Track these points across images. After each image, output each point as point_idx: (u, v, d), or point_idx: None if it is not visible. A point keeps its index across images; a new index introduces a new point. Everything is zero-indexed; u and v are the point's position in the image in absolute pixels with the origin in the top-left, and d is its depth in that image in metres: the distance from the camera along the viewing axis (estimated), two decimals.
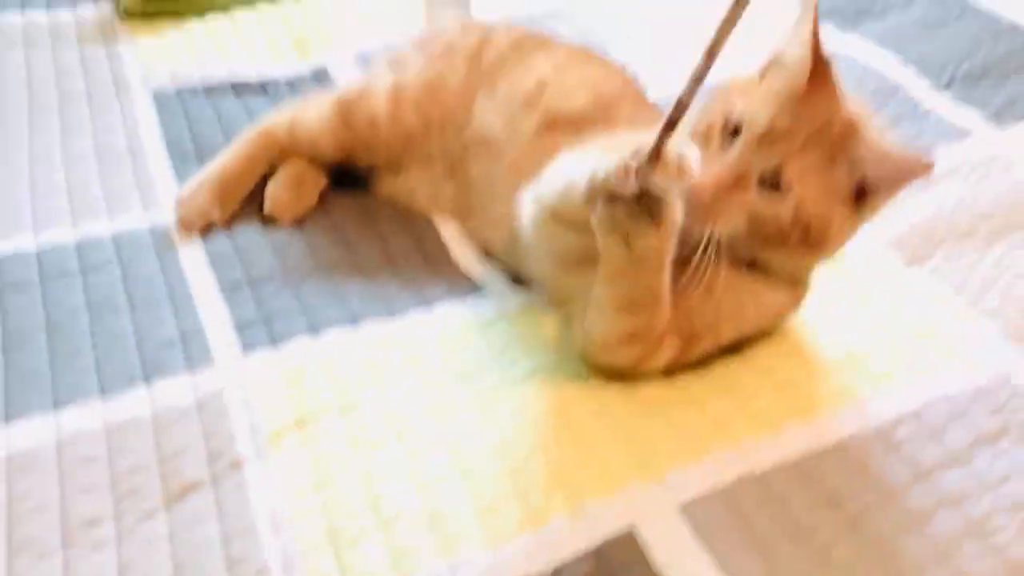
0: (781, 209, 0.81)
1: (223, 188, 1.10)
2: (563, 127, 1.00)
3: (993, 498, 0.78)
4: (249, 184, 1.12)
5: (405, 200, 1.13)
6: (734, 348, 0.91)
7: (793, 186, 0.81)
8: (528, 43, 1.12)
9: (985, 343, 0.93)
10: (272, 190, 1.11)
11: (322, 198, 1.14)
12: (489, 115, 1.05)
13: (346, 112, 1.11)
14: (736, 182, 0.81)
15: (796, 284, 0.90)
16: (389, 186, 1.14)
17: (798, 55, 0.83)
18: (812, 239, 0.83)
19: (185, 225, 1.07)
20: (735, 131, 0.82)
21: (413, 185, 1.12)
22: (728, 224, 0.82)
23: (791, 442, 0.83)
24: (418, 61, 1.14)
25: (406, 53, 1.17)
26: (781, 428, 0.85)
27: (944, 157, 1.18)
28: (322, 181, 1.14)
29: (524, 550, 0.75)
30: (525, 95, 1.05)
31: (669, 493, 0.79)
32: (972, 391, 0.88)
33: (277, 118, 1.15)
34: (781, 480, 0.80)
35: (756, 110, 0.82)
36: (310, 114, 1.13)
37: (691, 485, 0.80)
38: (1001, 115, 1.25)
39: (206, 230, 1.07)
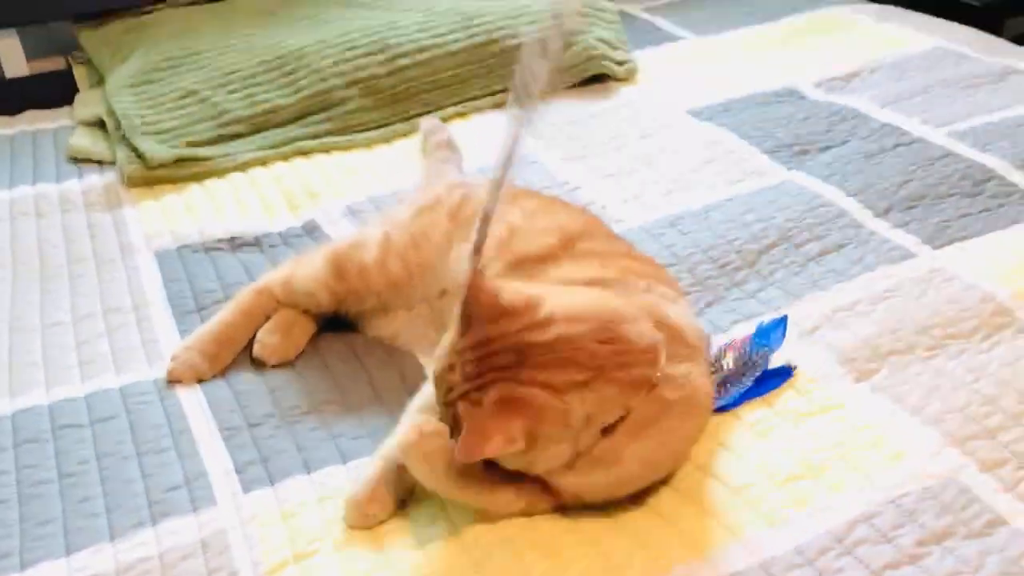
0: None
1: (217, 344, 1.19)
2: (528, 266, 1.10)
3: None
4: (245, 339, 1.21)
5: (391, 340, 1.22)
6: None
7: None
8: (505, 196, 1.23)
9: (929, 449, 1.00)
10: (262, 335, 1.20)
11: (313, 341, 1.23)
12: (464, 262, 1.15)
13: (338, 264, 1.21)
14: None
15: None
16: (376, 328, 1.23)
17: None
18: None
19: (172, 378, 1.16)
20: None
21: (398, 327, 1.22)
22: None
23: (754, 549, 0.90)
24: (406, 216, 1.25)
25: (397, 209, 1.29)
26: (743, 536, 0.91)
27: (887, 277, 1.28)
28: (311, 328, 1.23)
29: None
30: (495, 241, 1.15)
31: None
32: (920, 492, 0.95)
33: (273, 276, 1.25)
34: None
35: None
36: (304, 270, 1.23)
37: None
38: (936, 237, 1.36)
39: (197, 381, 1.16)
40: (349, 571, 0.91)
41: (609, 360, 0.87)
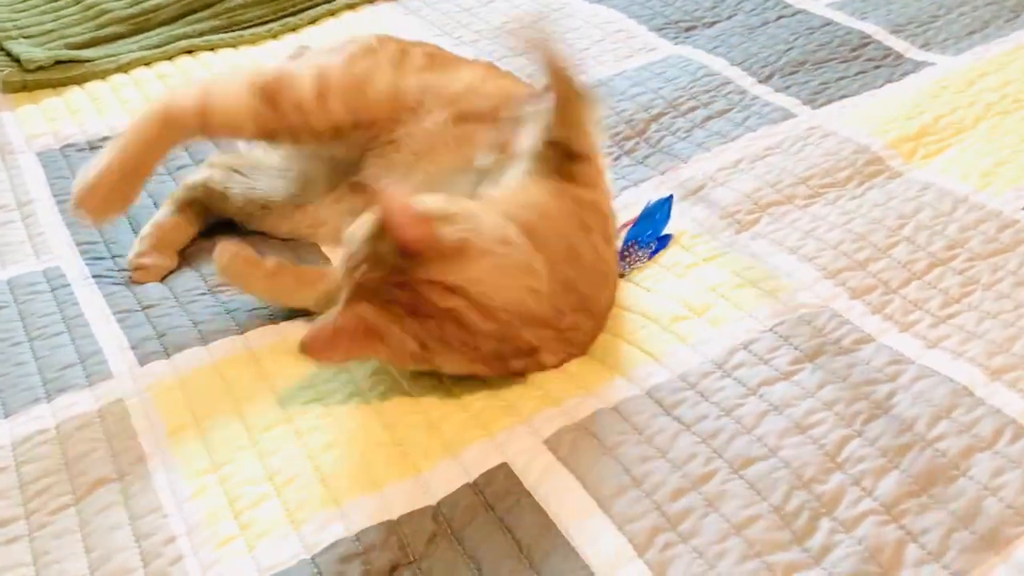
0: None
1: (124, 180, 1.08)
2: (473, 120, 1.10)
3: (811, 401, 0.89)
4: (148, 173, 1.10)
5: (309, 236, 1.18)
6: None
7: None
8: (446, 57, 1.23)
9: (804, 283, 1.05)
10: (135, 250, 1.14)
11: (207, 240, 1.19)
12: (417, 120, 1.12)
13: (269, 94, 1.10)
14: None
15: None
16: (289, 223, 1.19)
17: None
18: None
19: (85, 219, 1.08)
20: None
21: (324, 216, 1.17)
22: None
23: (639, 381, 0.94)
24: (337, 60, 1.15)
25: (318, 52, 1.21)
26: (629, 374, 0.95)
27: (768, 136, 1.33)
28: (192, 232, 1.19)
29: (408, 491, 0.83)
30: (450, 95, 1.14)
31: (534, 432, 0.88)
32: (795, 320, 1.00)
33: (176, 102, 1.11)
34: (631, 407, 0.90)
35: None
36: (222, 98, 1.10)
37: (553, 423, 0.89)
38: (816, 98, 1.40)
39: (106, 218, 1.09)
40: (249, 428, 0.92)
41: (492, 353, 0.90)
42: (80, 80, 1.58)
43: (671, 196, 1.18)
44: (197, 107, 1.10)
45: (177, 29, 1.70)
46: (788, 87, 1.43)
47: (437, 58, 1.21)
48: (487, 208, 0.92)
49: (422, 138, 1.11)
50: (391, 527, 0.80)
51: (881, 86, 1.42)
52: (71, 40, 1.64)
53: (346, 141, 1.14)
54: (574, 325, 0.95)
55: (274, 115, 1.10)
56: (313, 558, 0.78)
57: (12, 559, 0.80)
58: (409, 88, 1.15)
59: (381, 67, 1.16)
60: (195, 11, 1.73)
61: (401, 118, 1.13)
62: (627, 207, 1.18)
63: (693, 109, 1.40)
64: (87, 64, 1.60)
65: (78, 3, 1.70)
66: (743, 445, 0.85)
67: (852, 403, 0.89)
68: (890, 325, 0.99)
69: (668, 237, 1.15)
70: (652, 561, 0.76)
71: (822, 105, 1.39)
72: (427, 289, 0.86)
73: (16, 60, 1.59)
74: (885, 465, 0.83)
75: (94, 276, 1.14)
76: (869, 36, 1.55)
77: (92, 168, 1.08)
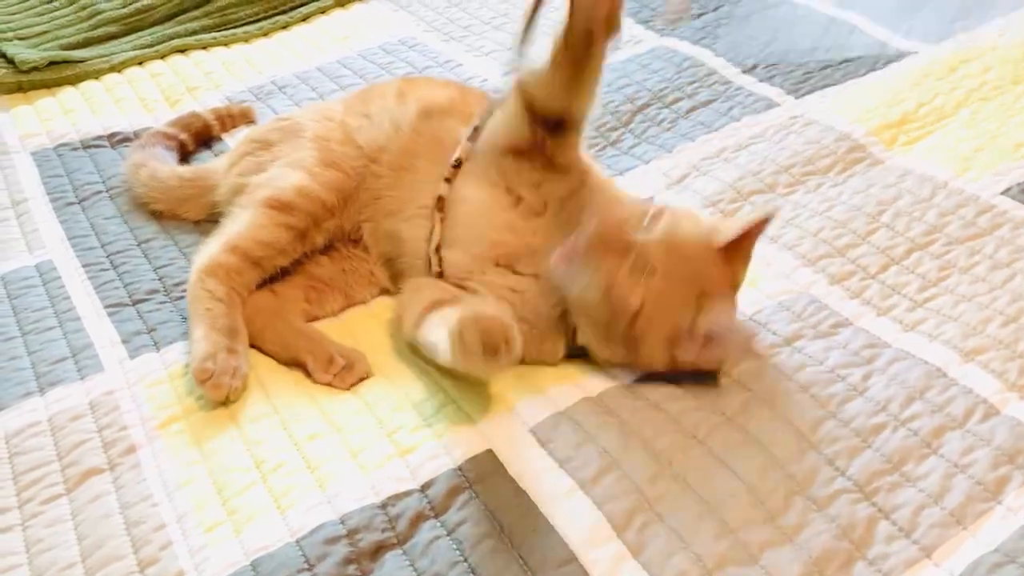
0: (634, 288, 0.88)
1: (232, 338, 0.99)
2: (437, 114, 1.11)
3: (788, 384, 0.91)
4: (239, 328, 1.01)
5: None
6: None
7: (655, 273, 0.89)
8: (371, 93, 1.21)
9: (784, 270, 1.07)
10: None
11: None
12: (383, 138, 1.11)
13: (275, 200, 1.07)
14: (622, 248, 0.90)
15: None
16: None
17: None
18: (632, 333, 0.90)
19: (217, 392, 0.95)
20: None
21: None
22: (579, 278, 0.90)
23: (621, 372, 0.95)
24: (304, 138, 1.13)
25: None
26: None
27: (752, 126, 1.34)
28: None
29: (394, 474, 0.85)
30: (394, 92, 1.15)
31: (519, 421, 0.90)
32: (774, 307, 1.02)
33: (209, 256, 1.05)
34: (613, 397, 0.92)
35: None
36: (242, 228, 1.06)
37: (537, 412, 0.91)
38: (799, 87, 1.42)
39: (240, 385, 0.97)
40: (237, 419, 0.94)
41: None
42: (74, 80, 1.60)
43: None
44: (227, 247, 1.05)
45: (169, 28, 1.71)
46: (772, 77, 1.45)
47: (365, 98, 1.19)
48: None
49: (397, 153, 1.10)
50: (376, 509, 0.82)
51: (864, 75, 1.44)
52: (65, 41, 1.66)
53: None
54: None
55: (295, 215, 1.07)
56: (298, 541, 0.80)
57: (5, 547, 0.82)
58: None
59: (340, 123, 1.14)
60: (187, 10, 1.75)
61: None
62: None
63: (678, 100, 1.42)
64: (81, 64, 1.62)
65: (71, 4, 1.72)
66: (721, 428, 0.87)
67: (828, 385, 0.91)
68: (868, 309, 1.01)
69: None
70: (630, 540, 0.78)
71: (805, 94, 1.40)
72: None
73: (10, 61, 1.60)
74: (859, 445, 0.84)
75: (84, 267, 1.15)
76: (854, 26, 1.56)
77: (194, 354, 0.98)
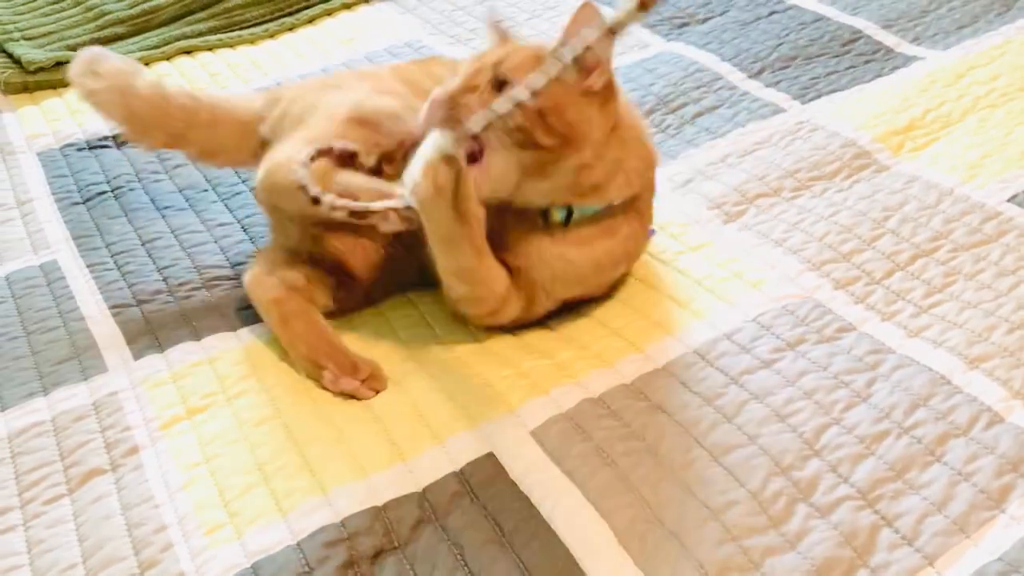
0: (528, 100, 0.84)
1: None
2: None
3: (791, 390, 0.91)
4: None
5: None
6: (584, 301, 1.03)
7: (520, 71, 0.88)
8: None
9: (788, 274, 1.07)
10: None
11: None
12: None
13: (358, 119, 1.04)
14: (468, 89, 0.90)
15: (624, 215, 0.99)
16: None
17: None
18: (557, 130, 0.89)
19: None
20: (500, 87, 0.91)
21: None
22: (477, 119, 0.86)
23: (623, 371, 0.95)
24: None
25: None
26: (615, 364, 0.97)
27: (757, 131, 1.34)
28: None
29: (394, 478, 0.85)
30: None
31: (521, 423, 0.90)
32: (778, 310, 1.01)
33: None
34: (615, 398, 0.91)
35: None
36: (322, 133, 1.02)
37: (538, 415, 0.91)
38: (805, 93, 1.41)
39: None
40: (240, 422, 0.94)
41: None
42: None
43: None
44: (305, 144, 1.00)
45: (176, 30, 1.72)
46: (778, 82, 1.45)
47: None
48: None
49: None
50: (376, 513, 0.82)
51: (871, 81, 1.43)
52: (71, 41, 1.66)
53: None
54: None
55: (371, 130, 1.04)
56: (299, 543, 0.80)
57: (7, 548, 0.82)
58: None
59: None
60: (193, 12, 1.75)
61: None
62: None
63: (683, 105, 1.42)
64: None
65: (78, 5, 1.72)
66: (723, 433, 0.87)
67: (832, 391, 0.90)
68: (872, 315, 1.00)
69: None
70: (631, 546, 0.78)
71: (811, 100, 1.40)
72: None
73: (17, 61, 1.61)
74: (862, 452, 0.84)
75: (89, 267, 1.16)
76: (860, 31, 1.56)
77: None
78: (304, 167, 0.94)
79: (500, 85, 0.91)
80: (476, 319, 0.99)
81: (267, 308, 1.02)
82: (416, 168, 0.89)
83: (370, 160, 1.02)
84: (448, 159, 0.87)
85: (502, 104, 0.85)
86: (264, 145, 1.10)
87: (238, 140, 1.14)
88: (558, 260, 0.98)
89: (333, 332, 1.00)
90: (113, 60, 1.17)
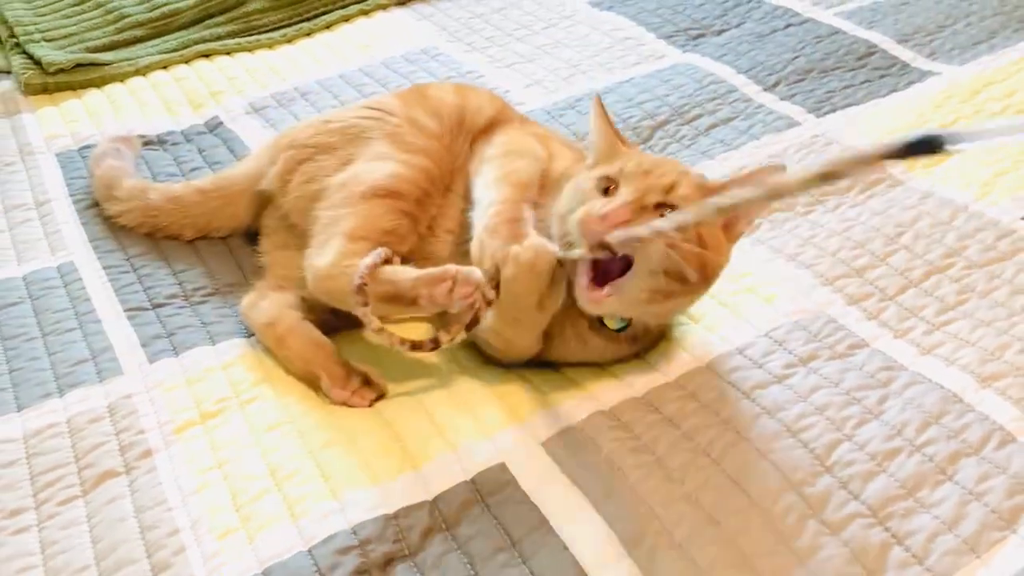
0: (688, 230, 0.85)
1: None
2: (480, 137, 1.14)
3: (803, 405, 0.91)
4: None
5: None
6: None
7: (688, 200, 0.88)
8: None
9: (801, 289, 1.07)
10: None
11: (223, 239, 1.22)
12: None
13: (385, 189, 1.04)
14: (636, 212, 0.87)
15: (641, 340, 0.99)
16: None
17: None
18: (708, 268, 0.91)
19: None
20: (605, 192, 0.91)
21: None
22: (651, 254, 0.86)
23: (634, 384, 0.96)
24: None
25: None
26: (625, 376, 0.97)
27: (772, 144, 1.34)
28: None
29: (405, 486, 0.86)
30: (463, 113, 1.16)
31: (532, 434, 0.90)
32: (791, 325, 1.01)
33: (334, 259, 0.98)
34: (626, 411, 0.92)
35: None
36: (362, 222, 1.02)
37: (551, 425, 0.91)
38: (821, 106, 1.42)
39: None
40: (253, 427, 0.94)
41: None
42: (99, 83, 1.61)
43: None
44: (347, 240, 1.00)
45: (195, 33, 1.73)
46: (793, 95, 1.45)
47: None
48: None
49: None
50: (388, 520, 0.83)
51: (886, 95, 1.43)
52: (91, 43, 1.68)
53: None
54: None
55: (406, 201, 1.05)
56: (310, 550, 0.80)
57: (21, 548, 0.83)
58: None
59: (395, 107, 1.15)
60: (212, 16, 1.76)
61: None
62: None
63: (698, 116, 1.42)
64: (106, 67, 1.64)
65: (98, 7, 1.73)
66: (734, 448, 0.87)
67: (844, 408, 0.91)
68: (885, 331, 1.00)
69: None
70: (640, 559, 0.78)
71: (826, 113, 1.40)
72: None
73: (37, 63, 1.62)
74: (873, 469, 0.84)
75: (105, 269, 1.16)
76: (876, 45, 1.56)
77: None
78: (359, 293, 0.92)
79: (664, 208, 0.89)
80: (492, 352, 1.00)
81: (262, 333, 1.04)
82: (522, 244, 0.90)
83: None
84: (564, 261, 0.89)
85: (665, 223, 0.84)
86: (264, 201, 1.15)
87: (256, 208, 1.19)
88: (593, 351, 0.98)
89: (327, 343, 1.01)
90: (125, 183, 1.24)
